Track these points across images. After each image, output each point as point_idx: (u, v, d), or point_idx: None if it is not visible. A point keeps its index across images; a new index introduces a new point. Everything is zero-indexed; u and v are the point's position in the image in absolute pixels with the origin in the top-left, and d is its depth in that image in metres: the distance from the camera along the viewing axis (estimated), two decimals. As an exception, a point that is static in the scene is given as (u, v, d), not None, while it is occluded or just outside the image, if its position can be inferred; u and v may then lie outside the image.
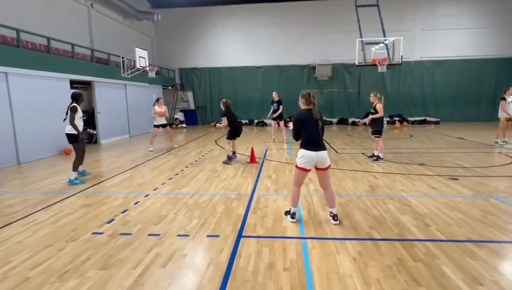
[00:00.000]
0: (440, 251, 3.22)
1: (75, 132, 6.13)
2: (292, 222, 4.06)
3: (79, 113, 6.18)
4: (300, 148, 3.93)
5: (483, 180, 5.87)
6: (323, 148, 3.90)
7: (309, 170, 3.94)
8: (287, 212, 4.19)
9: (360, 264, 3.00)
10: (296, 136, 4.03)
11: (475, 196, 4.99)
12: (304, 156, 3.86)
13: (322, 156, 3.85)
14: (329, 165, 3.95)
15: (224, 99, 7.74)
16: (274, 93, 11.13)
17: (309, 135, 3.88)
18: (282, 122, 10.96)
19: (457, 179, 5.99)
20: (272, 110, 11.17)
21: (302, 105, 4.05)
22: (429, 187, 5.54)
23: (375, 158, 7.71)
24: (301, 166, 3.89)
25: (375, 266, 2.96)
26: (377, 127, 7.60)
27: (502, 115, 9.68)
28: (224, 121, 7.47)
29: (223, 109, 7.61)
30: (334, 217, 4.01)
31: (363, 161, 7.84)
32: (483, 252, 3.21)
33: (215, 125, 7.93)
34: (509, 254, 3.22)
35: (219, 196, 5.23)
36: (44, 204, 5.00)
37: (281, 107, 10.87)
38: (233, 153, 7.99)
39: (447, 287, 2.64)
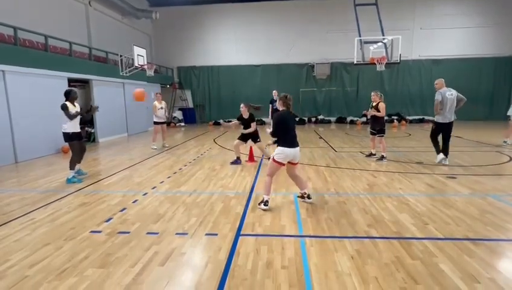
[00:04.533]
0: (438, 249, 3.24)
1: (69, 131, 6.11)
2: (265, 210, 4.39)
3: (72, 110, 6.10)
4: (279, 145, 4.37)
5: (481, 179, 5.90)
6: (297, 145, 4.41)
7: (284, 164, 4.43)
8: (260, 202, 4.50)
9: (358, 262, 3.01)
10: (275, 133, 4.46)
11: (472, 195, 5.01)
12: (283, 153, 4.33)
13: (297, 152, 4.40)
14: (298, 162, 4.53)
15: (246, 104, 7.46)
16: (274, 91, 10.97)
17: (287, 133, 4.37)
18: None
19: (454, 178, 6.01)
20: (271, 109, 11.02)
21: (279, 106, 4.51)
22: (427, 186, 5.56)
23: (379, 158, 7.66)
24: (278, 160, 4.38)
25: (373, 264, 2.98)
26: (379, 127, 7.60)
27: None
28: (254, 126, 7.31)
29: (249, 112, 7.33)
30: (308, 196, 4.62)
31: (361, 160, 7.85)
32: (480, 250, 3.23)
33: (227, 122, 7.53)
34: (506, 252, 3.24)
35: (217, 195, 5.24)
36: (42, 203, 4.98)
37: None
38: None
39: (445, 285, 2.65)
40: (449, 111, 6.73)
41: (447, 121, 6.79)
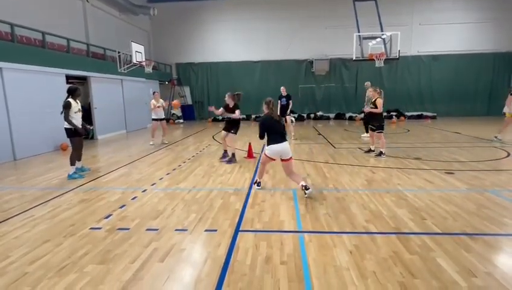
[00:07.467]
0: (435, 244, 3.26)
1: (71, 127, 6.17)
2: (258, 189, 5.18)
3: (74, 108, 6.16)
4: (267, 145, 4.91)
5: (478, 174, 5.92)
6: (284, 140, 4.88)
7: (274, 159, 5.00)
8: (256, 183, 5.35)
9: (357, 257, 3.03)
10: (261, 136, 5.02)
11: (470, 190, 5.04)
12: (271, 150, 4.88)
13: (285, 147, 4.82)
14: (291, 157, 4.90)
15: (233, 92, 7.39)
16: (282, 88, 10.71)
17: (272, 133, 4.90)
18: (289, 118, 10.35)
19: (452, 173, 6.04)
20: (279, 105, 10.70)
21: (265, 110, 5.07)
22: (425, 181, 5.58)
23: (377, 154, 7.68)
24: (269, 156, 4.96)
25: (371, 259, 3.00)
26: (378, 123, 7.61)
27: (507, 110, 9.42)
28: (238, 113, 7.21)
29: (234, 101, 7.26)
30: (306, 187, 4.68)
31: (360, 156, 7.87)
32: (477, 244, 3.25)
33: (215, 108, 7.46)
34: (503, 247, 3.27)
35: (217, 191, 5.25)
36: (41, 200, 4.99)
37: (290, 102, 10.42)
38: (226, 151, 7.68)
39: (442, 279, 2.68)
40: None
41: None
